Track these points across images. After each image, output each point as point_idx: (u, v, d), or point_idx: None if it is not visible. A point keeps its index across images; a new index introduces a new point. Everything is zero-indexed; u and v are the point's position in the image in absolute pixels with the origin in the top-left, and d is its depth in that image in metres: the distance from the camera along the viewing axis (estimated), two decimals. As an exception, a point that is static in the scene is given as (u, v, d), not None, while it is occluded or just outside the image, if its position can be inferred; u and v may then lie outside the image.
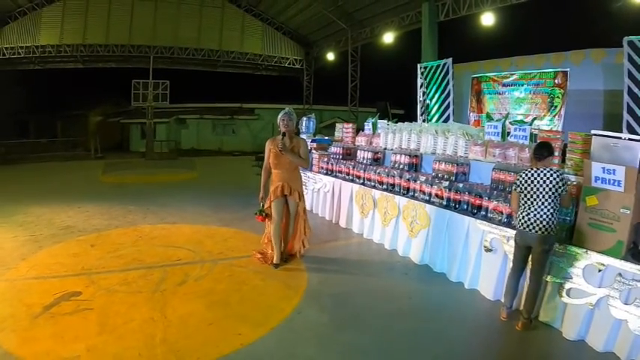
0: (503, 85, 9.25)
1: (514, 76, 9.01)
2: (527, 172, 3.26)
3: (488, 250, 3.86)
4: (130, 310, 3.42)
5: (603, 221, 3.03)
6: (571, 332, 3.11)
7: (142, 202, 7.73)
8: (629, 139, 3.21)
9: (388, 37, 14.09)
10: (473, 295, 3.92)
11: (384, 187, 5.41)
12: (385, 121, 6.75)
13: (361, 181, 5.89)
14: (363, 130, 7.13)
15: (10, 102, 19.75)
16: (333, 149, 7.14)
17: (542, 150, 3.24)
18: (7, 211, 6.82)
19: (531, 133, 4.47)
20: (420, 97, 10.23)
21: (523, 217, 3.20)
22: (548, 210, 3.10)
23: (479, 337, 3.28)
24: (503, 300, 3.48)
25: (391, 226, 5.16)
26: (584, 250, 3.10)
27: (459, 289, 4.06)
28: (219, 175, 13.15)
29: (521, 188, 3.26)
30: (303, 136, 7.76)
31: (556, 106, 8.19)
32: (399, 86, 17.38)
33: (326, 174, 6.77)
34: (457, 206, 4.36)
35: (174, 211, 7.08)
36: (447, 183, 4.54)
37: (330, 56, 18.34)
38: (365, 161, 6.21)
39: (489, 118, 5.62)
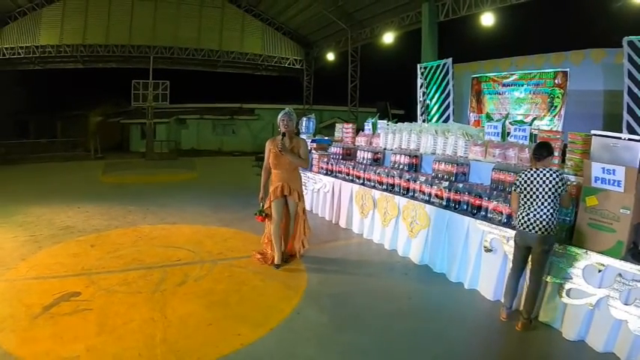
0: (503, 85, 9.25)
1: (514, 76, 9.01)
2: (526, 172, 3.26)
3: (488, 250, 3.86)
4: (130, 310, 3.42)
5: (603, 221, 3.02)
6: (571, 332, 3.11)
7: (141, 203, 7.73)
8: (629, 140, 3.21)
9: (388, 38, 14.09)
10: (473, 296, 3.92)
11: (384, 187, 5.41)
12: (385, 122, 6.75)
13: (361, 181, 5.89)
14: (362, 131, 7.13)
15: (10, 102, 19.78)
16: (332, 149, 7.14)
17: (542, 150, 3.24)
18: (7, 211, 6.82)
19: (531, 134, 4.47)
20: (419, 98, 10.23)
21: (523, 218, 3.20)
22: (548, 210, 3.09)
23: (479, 337, 3.28)
24: (503, 300, 3.47)
25: (391, 226, 5.15)
26: (584, 250, 3.10)
27: (458, 290, 4.06)
28: (219, 175, 13.15)
29: (520, 189, 3.26)
30: (303, 136, 7.75)
31: (556, 107, 8.19)
32: (399, 86, 17.40)
33: (326, 174, 6.77)
34: (457, 206, 4.36)
35: (174, 212, 7.08)
36: (447, 183, 4.54)
37: (330, 56, 18.35)
38: (365, 161, 6.21)
39: (489, 118, 5.63)
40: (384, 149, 6.28)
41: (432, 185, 4.69)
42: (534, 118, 7.52)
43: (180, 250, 5.01)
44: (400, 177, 5.19)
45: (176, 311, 3.42)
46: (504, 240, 3.70)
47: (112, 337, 3.00)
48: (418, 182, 4.90)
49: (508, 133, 4.81)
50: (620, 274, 2.87)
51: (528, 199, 3.19)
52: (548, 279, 3.28)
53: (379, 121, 6.85)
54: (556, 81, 8.17)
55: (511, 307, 3.41)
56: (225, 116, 23.18)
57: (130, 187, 10.46)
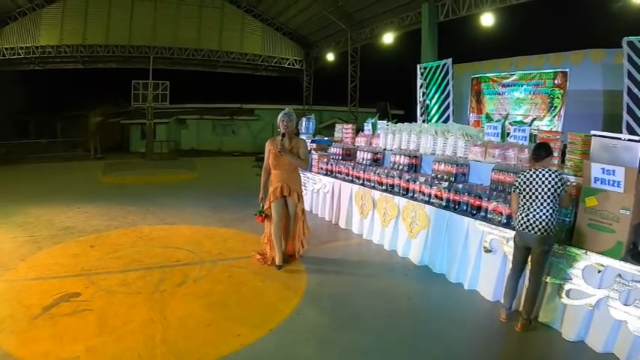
0: (503, 85, 9.26)
1: (514, 77, 9.02)
2: (526, 173, 3.26)
3: (487, 250, 3.86)
4: (130, 310, 3.42)
5: (603, 222, 3.03)
6: (570, 333, 3.11)
7: (141, 203, 7.73)
8: (629, 140, 3.21)
9: (388, 38, 14.09)
10: (472, 296, 3.92)
11: (384, 187, 5.41)
12: (385, 122, 6.75)
13: (361, 181, 5.89)
14: (362, 131, 7.13)
15: (10, 102, 19.78)
16: (332, 150, 7.14)
17: (540, 151, 3.25)
18: (6, 211, 6.82)
19: (531, 134, 4.47)
20: (419, 98, 10.22)
21: (522, 218, 3.20)
22: (548, 211, 3.10)
23: (478, 337, 3.28)
24: (502, 301, 3.47)
25: (391, 226, 5.15)
26: (584, 250, 3.10)
27: (458, 290, 4.06)
28: (218, 175, 13.15)
29: (520, 189, 3.26)
30: (302, 136, 7.76)
31: (556, 107, 8.19)
32: (398, 87, 17.40)
33: (325, 174, 6.77)
34: (457, 207, 4.36)
35: (173, 212, 7.08)
36: (447, 184, 4.54)
37: (330, 57, 18.34)
38: (364, 162, 6.21)
39: (489, 118, 5.63)
40: (384, 150, 6.28)
41: (431, 186, 4.69)
42: (534, 119, 7.53)
43: (180, 250, 5.01)
44: (400, 177, 5.19)
45: (176, 312, 3.43)
46: (504, 240, 3.70)
47: (111, 338, 2.99)
48: (418, 183, 4.90)
49: (508, 134, 4.81)
50: (619, 275, 2.87)
51: (528, 200, 3.19)
52: (548, 279, 3.28)
53: (379, 122, 6.85)
54: (556, 81, 8.17)
55: (511, 307, 3.41)
56: (225, 116, 23.18)
57: (130, 187, 10.46)
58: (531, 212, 3.15)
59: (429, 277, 4.40)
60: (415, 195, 4.93)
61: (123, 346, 2.90)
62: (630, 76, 6.24)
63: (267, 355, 2.89)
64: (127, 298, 3.67)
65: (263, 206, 4.48)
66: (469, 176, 4.80)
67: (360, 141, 6.89)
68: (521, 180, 3.25)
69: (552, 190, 3.09)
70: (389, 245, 5.19)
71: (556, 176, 3.11)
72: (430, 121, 9.72)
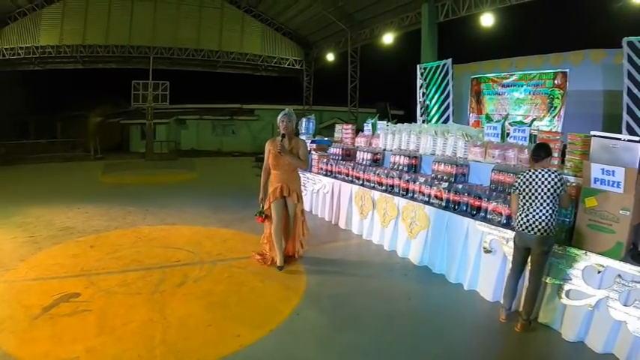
0: (503, 85, 9.25)
1: (514, 77, 9.02)
2: (525, 173, 3.26)
3: (487, 251, 3.86)
4: (129, 311, 3.42)
5: (602, 222, 3.03)
6: (570, 334, 3.11)
7: (141, 203, 7.73)
8: (628, 140, 3.21)
9: (388, 38, 14.09)
10: (472, 297, 3.92)
11: (384, 188, 5.41)
12: (385, 122, 6.76)
13: (360, 182, 5.89)
14: (362, 131, 7.13)
15: (10, 103, 19.76)
16: (332, 150, 7.14)
17: (540, 151, 3.25)
18: (6, 212, 6.82)
19: (531, 134, 4.46)
20: (419, 98, 10.22)
21: (522, 219, 3.20)
22: (547, 211, 3.10)
23: (478, 338, 3.28)
24: (502, 301, 3.47)
25: (390, 227, 5.16)
26: (584, 251, 3.10)
27: (458, 291, 4.06)
28: (218, 175, 13.15)
29: (519, 190, 3.26)
30: (302, 136, 7.76)
31: (555, 107, 8.19)
32: (398, 87, 17.42)
33: (325, 175, 6.77)
34: (456, 207, 4.36)
35: (173, 212, 7.08)
36: (447, 184, 4.54)
37: (330, 57, 18.34)
38: (364, 162, 6.21)
39: (489, 119, 5.63)
40: (384, 150, 6.28)
41: (431, 186, 4.69)
42: (534, 119, 7.53)
43: (180, 251, 5.01)
44: (400, 178, 5.19)
45: (175, 312, 3.42)
46: (504, 241, 3.70)
47: (111, 338, 2.99)
48: (417, 183, 4.90)
49: (507, 134, 4.81)
50: (619, 275, 2.87)
51: (527, 201, 3.19)
52: (548, 280, 3.28)
53: (379, 122, 6.85)
54: (556, 81, 8.17)
55: (510, 308, 3.41)
56: (225, 117, 23.19)
57: (130, 187, 10.45)
58: (531, 213, 3.15)
59: (428, 277, 4.40)
60: (415, 195, 4.93)
61: (122, 346, 2.90)
62: (630, 77, 6.23)
63: (266, 356, 2.89)
64: (126, 298, 3.67)
65: (263, 207, 4.48)
66: (469, 177, 4.80)
67: (360, 141, 6.89)
68: (521, 180, 3.25)
69: (552, 190, 3.09)
70: (389, 246, 5.19)
71: (556, 177, 3.11)
72: (430, 121, 9.73)
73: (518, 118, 8.11)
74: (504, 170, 4.15)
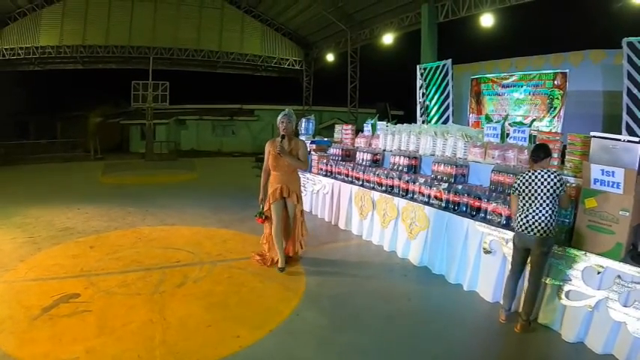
0: (503, 86, 9.26)
1: (513, 77, 9.02)
2: (525, 174, 3.27)
3: (487, 252, 3.86)
4: (129, 311, 3.42)
5: (602, 223, 3.03)
6: (570, 334, 3.11)
7: (141, 204, 7.73)
8: (628, 141, 3.21)
9: (388, 39, 14.09)
10: (472, 297, 3.92)
11: (383, 188, 5.41)
12: (384, 123, 6.76)
13: (360, 182, 5.89)
14: (362, 132, 7.13)
15: (10, 103, 19.77)
16: (332, 150, 7.14)
17: (539, 152, 3.26)
18: (6, 212, 6.82)
19: (530, 135, 4.47)
20: (419, 99, 10.23)
21: (522, 220, 3.20)
22: (547, 212, 3.10)
23: (478, 338, 3.28)
24: (502, 302, 3.47)
25: (390, 227, 5.16)
26: (583, 252, 3.10)
27: (457, 291, 4.06)
28: (218, 176, 13.15)
29: (519, 191, 3.26)
30: (302, 137, 7.76)
31: (555, 107, 8.20)
32: (398, 87, 17.43)
33: (325, 175, 6.77)
34: (456, 208, 4.36)
35: (173, 213, 7.08)
36: (446, 185, 4.54)
37: (330, 57, 18.34)
38: (364, 163, 6.21)
39: (488, 119, 5.63)
40: (384, 150, 6.28)
41: (431, 187, 4.69)
42: (534, 120, 7.53)
43: (180, 251, 5.01)
44: (399, 178, 5.19)
45: (175, 313, 3.42)
46: (503, 242, 3.70)
47: (111, 339, 2.99)
48: (417, 184, 4.90)
49: (507, 135, 4.81)
50: (619, 276, 2.88)
51: (527, 201, 3.19)
52: (548, 281, 3.28)
53: (378, 122, 6.85)
54: (555, 82, 8.18)
55: (510, 308, 3.41)
56: (225, 117, 23.20)
57: (130, 188, 10.45)
58: (530, 213, 3.15)
59: (428, 278, 4.40)
60: (415, 196, 4.93)
61: (122, 347, 2.90)
62: (630, 77, 6.23)
63: (266, 356, 2.89)
64: (126, 299, 3.67)
65: (263, 208, 4.48)
66: (469, 177, 4.80)
67: (360, 142, 6.89)
68: (521, 181, 3.25)
69: (551, 191, 3.09)
70: (388, 246, 5.19)
71: (555, 177, 3.11)
72: (430, 121, 9.73)
73: (518, 119, 8.12)
74: (504, 171, 4.15)
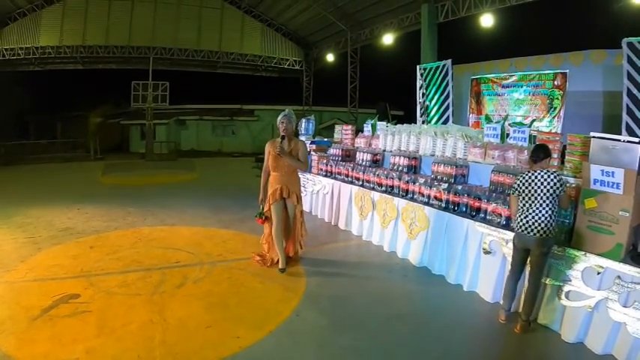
0: (503, 86, 9.26)
1: (513, 78, 9.02)
2: (524, 174, 3.27)
3: (487, 252, 3.86)
4: (129, 312, 3.42)
5: (602, 224, 3.03)
6: (570, 335, 3.11)
7: (141, 204, 7.73)
8: (628, 142, 3.21)
9: (388, 39, 14.09)
10: (472, 298, 3.92)
11: (383, 188, 5.41)
12: (384, 123, 6.76)
13: (360, 182, 5.89)
14: (362, 132, 7.13)
15: (10, 103, 19.77)
16: (332, 151, 7.15)
17: (539, 152, 3.26)
18: (6, 212, 6.82)
19: (530, 135, 4.47)
20: (419, 99, 10.23)
21: (521, 220, 3.20)
22: (547, 212, 3.10)
23: (477, 339, 3.28)
24: (501, 302, 3.48)
25: (390, 228, 5.16)
26: (583, 252, 3.11)
27: (457, 292, 4.06)
28: (218, 176, 13.15)
29: (519, 191, 3.26)
30: (302, 137, 7.76)
31: (555, 108, 8.20)
32: (398, 87, 17.37)
33: (325, 176, 6.77)
34: (456, 208, 4.36)
35: (173, 213, 7.08)
36: (446, 185, 4.54)
37: (330, 57, 18.34)
38: (364, 163, 6.21)
39: (488, 119, 5.62)
40: (384, 151, 6.29)
41: (431, 187, 4.69)
42: (533, 120, 7.54)
43: (180, 251, 5.01)
44: (399, 179, 5.19)
45: (175, 313, 3.43)
46: (503, 242, 3.70)
47: (110, 339, 3.00)
48: (417, 184, 4.90)
49: (507, 135, 4.81)
50: (619, 277, 2.88)
51: (527, 202, 3.19)
52: (547, 281, 3.28)
53: (378, 123, 6.86)
54: (555, 82, 8.18)
55: (510, 309, 3.41)
56: (225, 117, 23.18)
57: (130, 188, 10.45)
58: (530, 214, 3.15)
59: (428, 278, 4.40)
60: (415, 196, 4.93)
61: (122, 347, 2.90)
62: (630, 77, 6.23)
63: (266, 357, 2.89)
64: (126, 299, 3.67)
65: (263, 208, 4.48)
66: (468, 177, 4.80)
67: (360, 142, 6.89)
68: (520, 182, 3.25)
69: (551, 191, 3.09)
70: (388, 246, 5.19)
71: (555, 177, 3.11)
72: (430, 122, 9.73)
73: (518, 119, 8.13)
74: (504, 171, 4.15)
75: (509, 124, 5.09)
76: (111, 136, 21.84)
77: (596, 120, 7.56)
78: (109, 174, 12.81)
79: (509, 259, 3.51)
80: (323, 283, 4.20)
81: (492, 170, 4.29)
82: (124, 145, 22.92)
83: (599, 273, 3.00)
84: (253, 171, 11.70)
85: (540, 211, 3.11)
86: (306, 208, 6.83)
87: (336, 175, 6.48)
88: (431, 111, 9.85)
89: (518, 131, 4.57)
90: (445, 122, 9.18)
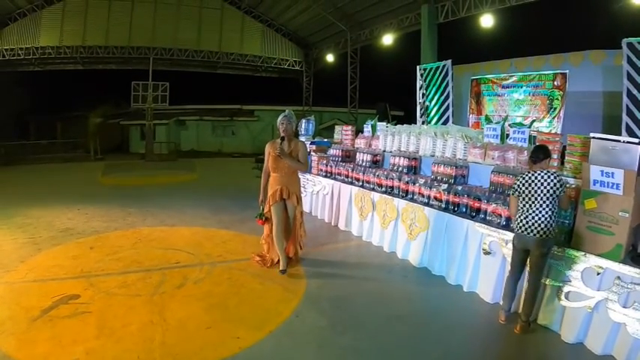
0: (503, 86, 9.27)
1: (513, 78, 9.03)
2: (524, 175, 3.27)
3: (486, 253, 3.86)
4: (129, 313, 3.42)
5: (602, 224, 3.03)
6: (570, 335, 3.11)
7: (141, 204, 7.73)
8: (628, 142, 3.21)
9: (387, 39, 14.10)
10: (471, 298, 3.92)
11: (383, 189, 5.41)
12: (384, 124, 6.76)
13: (360, 183, 5.89)
14: (362, 132, 7.13)
15: (10, 103, 19.77)
16: (332, 151, 7.15)
17: (538, 153, 3.26)
18: (6, 213, 6.82)
19: (530, 136, 4.47)
20: (419, 99, 10.23)
21: (521, 221, 3.20)
22: (547, 213, 3.10)
23: (477, 339, 3.28)
24: (501, 303, 3.48)
25: (390, 228, 5.16)
26: (583, 253, 3.11)
27: (457, 292, 4.06)
28: (218, 176, 13.15)
29: (519, 192, 3.26)
30: (302, 138, 7.76)
31: (555, 108, 8.20)
32: (398, 88, 17.39)
33: (325, 176, 6.77)
34: (456, 209, 4.36)
35: (173, 213, 7.08)
36: (446, 186, 4.55)
37: (330, 58, 18.34)
38: (364, 163, 6.21)
39: (488, 120, 5.63)
40: (384, 151, 6.29)
41: (431, 188, 4.69)
42: (533, 120, 7.54)
43: (180, 252, 5.01)
44: (399, 179, 5.19)
45: (175, 314, 3.43)
46: (503, 243, 3.70)
47: (110, 340, 3.00)
48: (417, 184, 4.90)
49: (507, 136, 4.81)
50: (618, 277, 2.88)
51: (527, 202, 3.19)
52: (547, 282, 3.28)
53: (378, 123, 6.86)
54: (555, 83, 8.19)
55: (510, 309, 3.41)
56: (225, 117, 23.19)
57: (130, 188, 10.45)
58: (530, 214, 3.15)
59: (428, 278, 4.40)
60: (414, 197, 4.93)
61: (122, 348, 2.90)
62: (629, 78, 6.23)
63: (266, 358, 2.89)
64: (126, 300, 3.67)
65: (263, 209, 4.48)
66: (468, 178, 4.81)
67: (360, 142, 6.90)
68: (520, 182, 3.26)
69: (551, 192, 3.10)
70: (388, 247, 5.19)
71: (555, 178, 3.11)
72: (430, 122, 9.73)
73: (518, 120, 8.13)
74: (504, 172, 4.16)
75: (509, 125, 5.10)
76: (111, 136, 21.84)
77: (596, 120, 7.56)
78: (109, 174, 12.81)
79: (509, 259, 3.51)
80: (323, 283, 4.20)
81: (492, 171, 4.29)
82: (123, 146, 22.92)
83: (598, 273, 3.00)
84: (253, 171, 11.70)
85: (540, 212, 3.11)
86: (306, 208, 6.83)
87: (336, 176, 6.48)
88: (431, 111, 9.86)
89: (518, 132, 4.58)
90: (445, 123, 9.18)
